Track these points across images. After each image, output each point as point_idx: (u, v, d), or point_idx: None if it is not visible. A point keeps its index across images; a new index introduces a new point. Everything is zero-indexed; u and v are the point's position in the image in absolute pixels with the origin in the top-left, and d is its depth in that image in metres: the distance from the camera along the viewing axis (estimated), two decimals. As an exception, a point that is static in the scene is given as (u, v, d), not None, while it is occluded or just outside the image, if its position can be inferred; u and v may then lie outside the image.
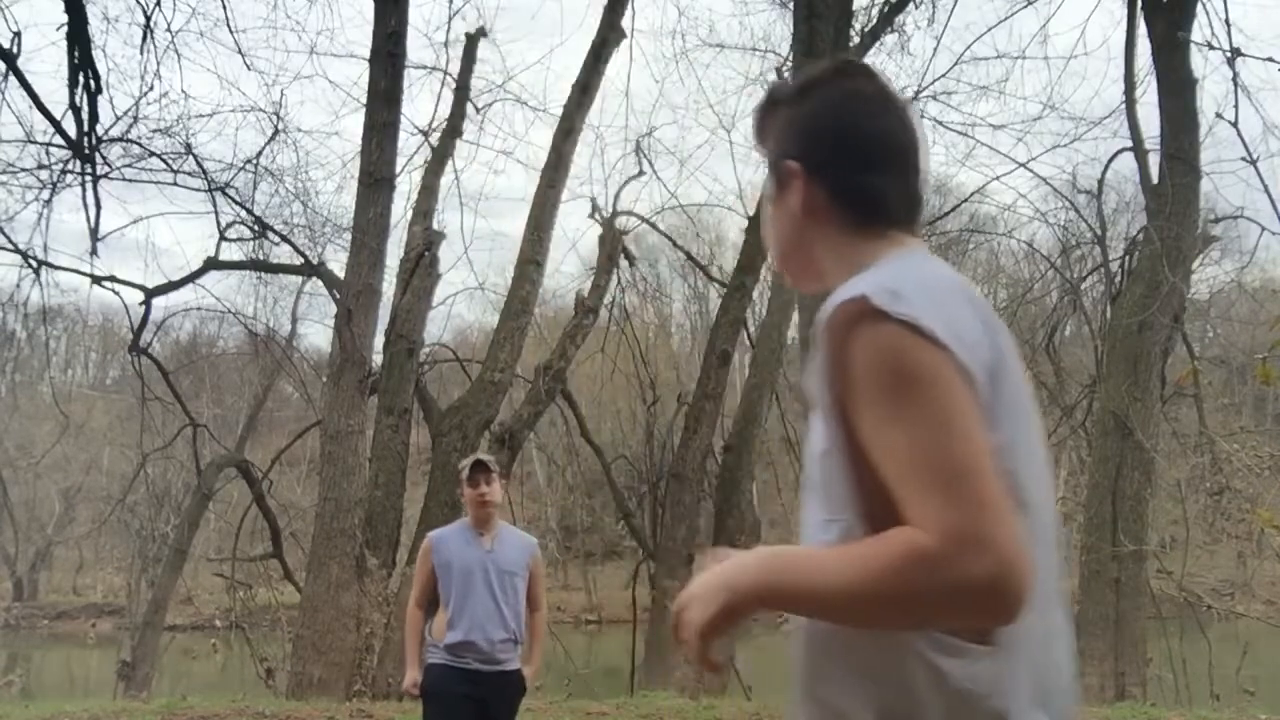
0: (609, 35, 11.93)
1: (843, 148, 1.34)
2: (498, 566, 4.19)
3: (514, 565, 4.24)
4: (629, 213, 14.65)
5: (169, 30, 10.53)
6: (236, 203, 11.98)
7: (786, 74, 12.50)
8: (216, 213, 11.97)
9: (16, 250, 10.35)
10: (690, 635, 1.21)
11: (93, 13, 9.20)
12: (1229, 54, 8.33)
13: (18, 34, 8.22)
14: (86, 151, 9.13)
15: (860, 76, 1.38)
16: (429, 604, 4.26)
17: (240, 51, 11.81)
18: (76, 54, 8.50)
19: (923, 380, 1.11)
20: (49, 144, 9.87)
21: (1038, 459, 1.23)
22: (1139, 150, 11.02)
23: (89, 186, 9.40)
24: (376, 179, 10.42)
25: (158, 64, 12.16)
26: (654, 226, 16.01)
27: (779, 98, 1.42)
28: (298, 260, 13.00)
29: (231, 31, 12.27)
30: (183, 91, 15.12)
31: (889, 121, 1.35)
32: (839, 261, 1.33)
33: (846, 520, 1.18)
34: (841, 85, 1.37)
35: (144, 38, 9.73)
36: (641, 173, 14.73)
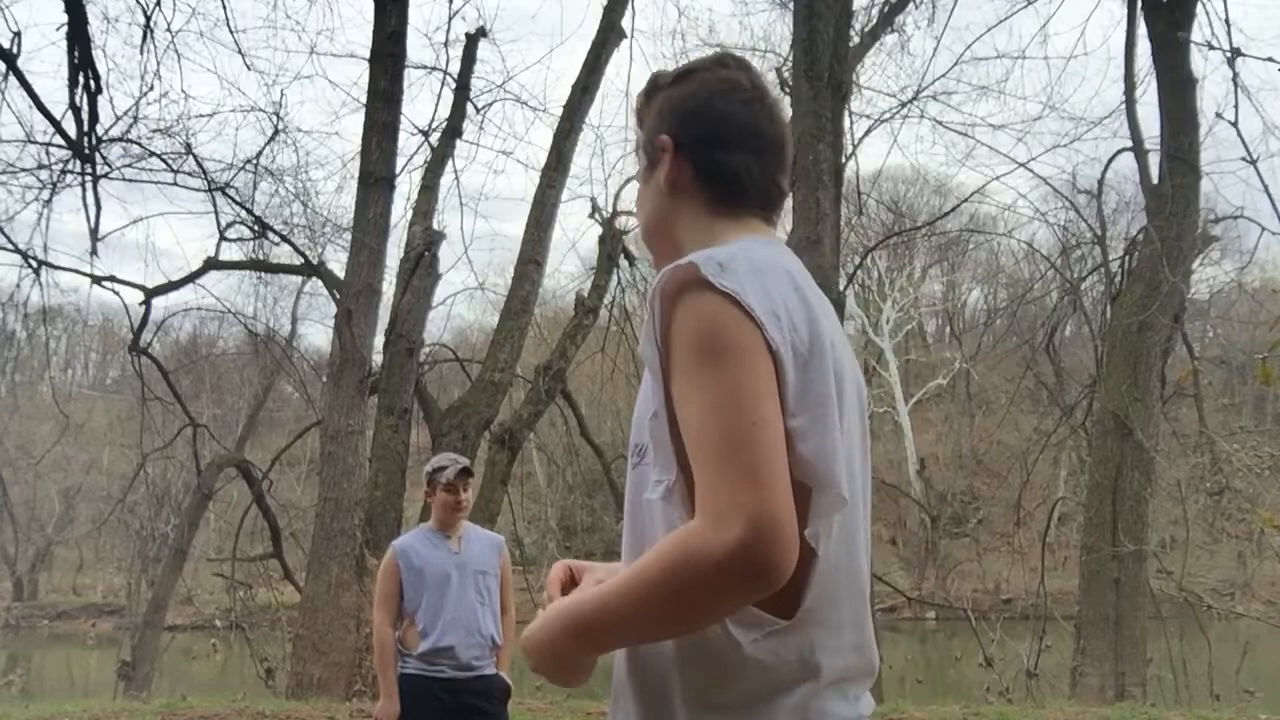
0: (609, 35, 11.92)
1: (712, 128, 1.37)
2: (471, 567, 4.01)
3: (485, 564, 4.05)
4: (629, 213, 14.63)
5: (169, 30, 10.54)
6: (236, 203, 11.95)
7: (787, 74, 12.49)
8: (216, 213, 11.94)
9: (16, 250, 10.33)
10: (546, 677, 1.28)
11: (93, 13, 9.22)
12: (1229, 54, 8.34)
13: (18, 34, 8.23)
14: (86, 151, 9.13)
15: (738, 68, 1.41)
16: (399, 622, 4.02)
17: (240, 51, 11.82)
18: (76, 54, 8.51)
19: (728, 354, 1.13)
20: (49, 144, 9.86)
21: (849, 445, 1.22)
22: (1139, 150, 11.02)
23: (89, 186, 9.40)
24: (376, 179, 10.42)
25: (158, 64, 12.19)
26: (654, 226, 15.99)
27: (659, 84, 1.44)
28: (298, 260, 12.98)
29: (231, 31, 12.26)
30: (183, 91, 15.14)
31: (759, 112, 1.38)
32: (694, 240, 1.34)
33: (670, 478, 1.20)
34: (718, 73, 1.40)
35: (144, 38, 9.74)
36: (642, 173, 14.71)
